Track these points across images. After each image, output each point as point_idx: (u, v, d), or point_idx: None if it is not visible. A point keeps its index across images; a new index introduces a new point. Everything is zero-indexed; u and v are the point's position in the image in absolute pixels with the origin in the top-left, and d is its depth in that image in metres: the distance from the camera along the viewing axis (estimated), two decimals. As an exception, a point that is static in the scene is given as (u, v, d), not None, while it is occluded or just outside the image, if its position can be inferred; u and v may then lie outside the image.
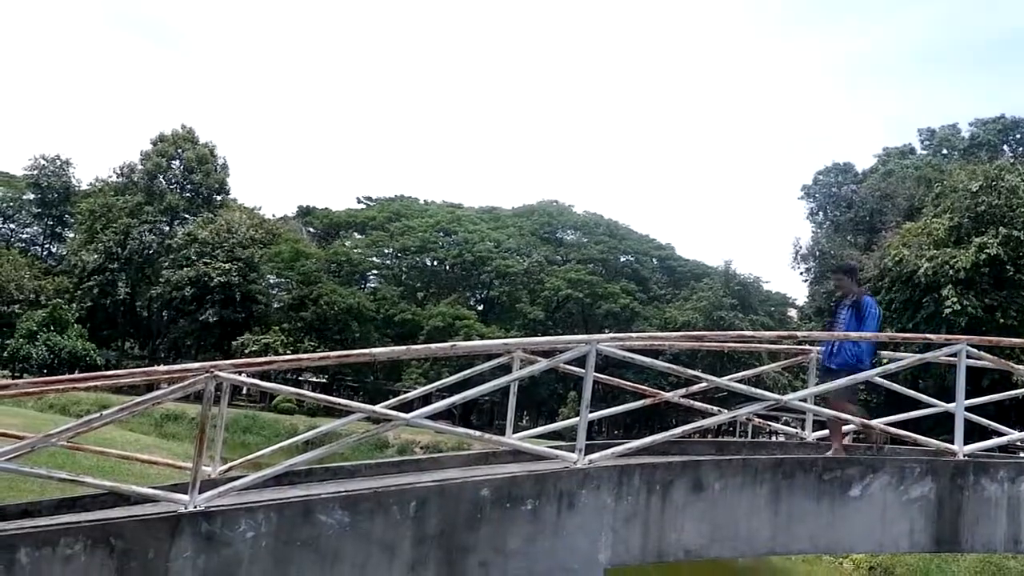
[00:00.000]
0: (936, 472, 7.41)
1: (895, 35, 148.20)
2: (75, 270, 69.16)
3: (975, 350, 8.17)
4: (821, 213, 60.17)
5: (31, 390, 7.44)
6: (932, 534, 7.38)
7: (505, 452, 8.21)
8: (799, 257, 52.71)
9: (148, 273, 68.70)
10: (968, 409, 8.15)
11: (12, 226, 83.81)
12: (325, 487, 7.02)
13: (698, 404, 9.29)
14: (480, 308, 72.64)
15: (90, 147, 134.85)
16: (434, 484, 6.45)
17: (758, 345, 12.11)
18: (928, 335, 10.56)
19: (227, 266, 63.83)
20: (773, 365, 11.47)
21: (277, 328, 62.47)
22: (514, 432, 8.68)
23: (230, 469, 7.50)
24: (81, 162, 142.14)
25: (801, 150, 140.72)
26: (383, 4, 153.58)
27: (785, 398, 8.02)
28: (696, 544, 6.76)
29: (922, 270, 35.30)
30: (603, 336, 7.10)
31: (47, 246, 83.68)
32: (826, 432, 9.57)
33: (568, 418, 9.06)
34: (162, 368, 6.38)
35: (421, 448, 40.86)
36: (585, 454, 6.70)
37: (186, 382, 5.97)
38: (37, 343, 58.58)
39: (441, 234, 72.60)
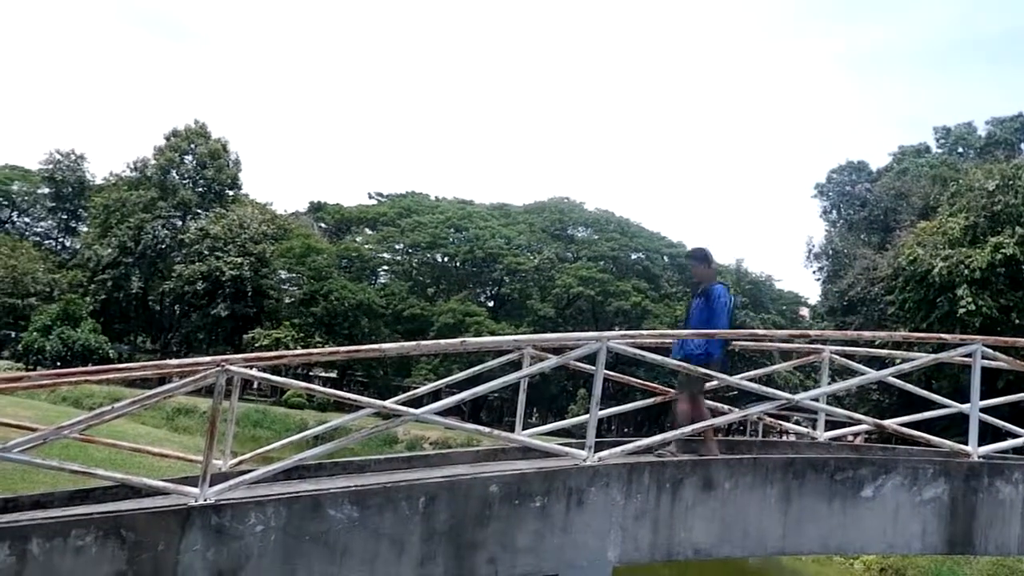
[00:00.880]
0: (950, 473, 7.36)
1: (910, 31, 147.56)
2: (89, 264, 69.55)
3: (990, 350, 8.10)
4: (835, 212, 59.88)
5: (44, 383, 7.46)
6: (945, 536, 7.33)
7: (514, 449, 8.20)
8: (812, 256, 52.52)
9: (161, 267, 68.97)
10: (983, 410, 8.09)
11: (27, 220, 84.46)
12: (334, 482, 7.02)
13: (709, 403, 9.25)
14: (491, 305, 72.68)
15: (104, 142, 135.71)
16: (443, 480, 6.44)
17: (770, 344, 12.04)
18: (942, 335, 10.50)
19: (239, 261, 64.03)
20: (785, 364, 11.40)
21: (288, 323, 62.64)
22: (524, 429, 8.67)
23: (240, 463, 7.50)
24: (95, 157, 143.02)
25: (815, 148, 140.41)
26: (397, 1, 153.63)
27: (797, 397, 7.97)
28: (706, 543, 6.73)
29: (937, 269, 35.06)
30: (613, 333, 7.08)
31: (61, 240, 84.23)
32: (839, 432, 9.53)
33: (578, 415, 9.04)
34: (173, 362, 6.39)
35: (431, 444, 40.90)
36: (595, 452, 6.67)
37: (197, 376, 5.98)
38: (51, 336, 58.89)
39: (452, 230, 72.65)
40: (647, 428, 51.18)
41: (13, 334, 67.68)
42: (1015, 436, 8.69)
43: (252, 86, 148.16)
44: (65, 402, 41.51)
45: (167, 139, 72.13)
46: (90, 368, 8.04)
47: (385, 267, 76.70)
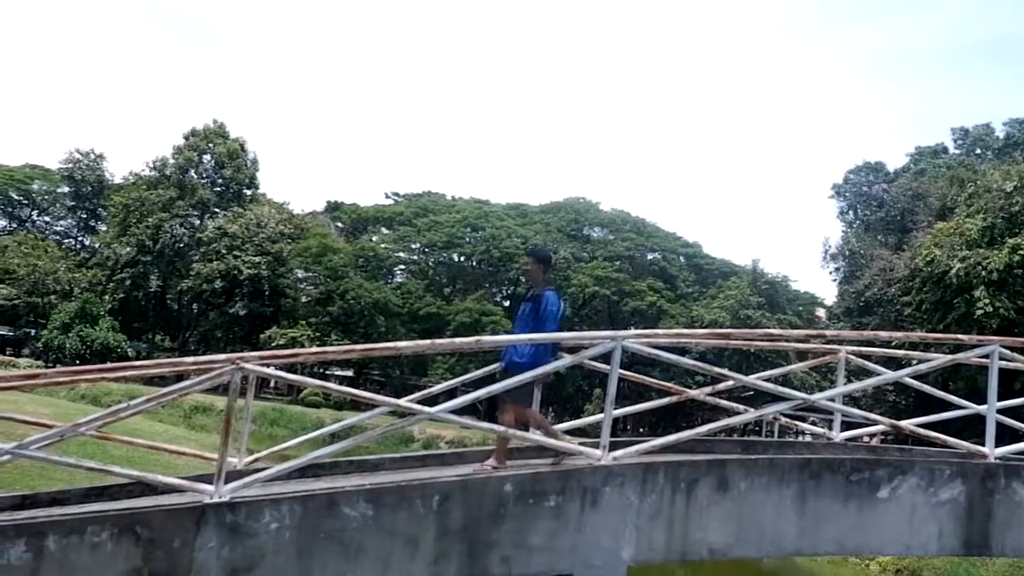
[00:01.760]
0: (966, 475, 7.31)
1: (929, 31, 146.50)
2: (107, 263, 69.99)
3: (1008, 352, 8.04)
4: (851, 212, 59.56)
5: (61, 380, 7.52)
6: (961, 537, 7.28)
7: (529, 448, 8.20)
8: (828, 257, 52.26)
9: (179, 266, 69.35)
10: (1000, 412, 8.03)
11: (47, 219, 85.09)
12: (349, 480, 7.05)
13: (724, 403, 9.22)
14: (507, 304, 72.70)
15: (123, 141, 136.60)
16: (457, 479, 6.46)
17: (786, 344, 12.00)
18: (959, 336, 10.42)
19: (256, 260, 64.33)
20: (801, 364, 11.36)
21: (304, 322, 62.86)
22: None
23: (256, 461, 7.53)
24: (114, 156, 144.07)
25: (832, 149, 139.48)
26: (413, 1, 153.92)
27: (813, 397, 7.94)
28: (721, 543, 6.71)
29: (954, 271, 34.84)
30: (629, 332, 7.07)
31: (80, 239, 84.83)
32: (855, 432, 9.48)
33: (593, 415, 9.00)
34: (189, 359, 6.42)
35: (446, 443, 40.97)
36: (610, 451, 6.67)
37: (212, 374, 6.01)
38: (70, 335, 59.32)
39: (468, 229, 72.67)
40: (662, 428, 51.04)
41: (33, 332, 68.22)
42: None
43: (270, 86, 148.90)
44: (84, 400, 41.82)
45: (186, 139, 72.55)
46: (106, 366, 8.10)
47: (401, 266, 76.84)
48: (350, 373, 67.02)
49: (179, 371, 6.68)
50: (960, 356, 8.52)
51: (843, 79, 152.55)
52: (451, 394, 7.64)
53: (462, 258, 74.60)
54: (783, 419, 12.77)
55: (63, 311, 61.92)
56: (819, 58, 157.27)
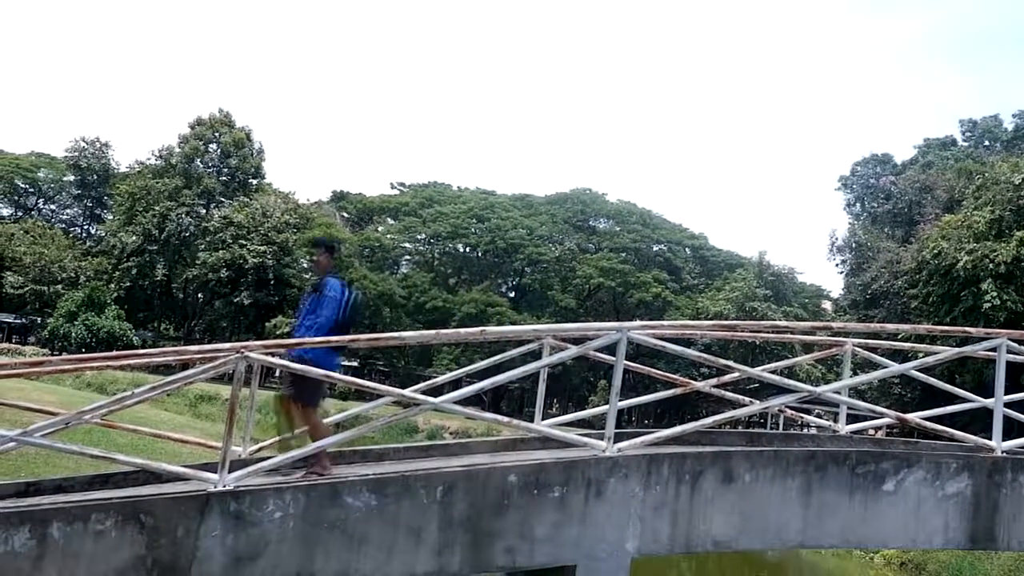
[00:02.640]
0: (973, 468, 7.28)
1: (940, 21, 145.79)
2: (113, 251, 70.12)
3: (1015, 345, 7.99)
4: (858, 204, 59.44)
5: (66, 367, 7.54)
6: (967, 531, 7.26)
7: (534, 439, 8.19)
8: (835, 249, 52.04)
9: (184, 255, 69.41)
10: (1007, 405, 7.99)
11: (53, 207, 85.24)
12: (353, 470, 7.04)
13: (729, 395, 9.19)
14: (512, 296, 72.68)
15: (129, 130, 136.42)
16: (461, 469, 6.44)
17: (792, 337, 11.97)
18: (967, 328, 10.37)
19: (262, 249, 64.34)
20: (806, 357, 11.28)
21: (309, 313, 62.75)
22: (544, 419, 8.66)
23: (260, 450, 7.54)
24: (120, 145, 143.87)
25: (839, 140, 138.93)
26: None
27: (818, 390, 7.89)
28: (725, 535, 6.69)
29: (961, 263, 34.70)
30: (634, 324, 7.04)
31: (86, 227, 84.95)
32: (860, 425, 9.45)
33: (598, 406, 8.97)
34: (194, 348, 6.41)
35: (451, 433, 41.03)
36: (614, 442, 6.65)
37: (216, 362, 6.00)
38: (76, 323, 59.46)
39: (474, 220, 72.64)
40: (667, 419, 51.09)
41: (39, 320, 68.40)
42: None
43: (276, 76, 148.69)
44: (90, 388, 41.91)
45: (192, 128, 72.55)
46: (111, 354, 8.09)
47: (407, 257, 76.84)
48: (355, 364, 67.11)
49: (184, 359, 6.67)
50: (967, 349, 8.47)
51: (853, 70, 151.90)
52: (456, 384, 7.63)
53: (467, 249, 74.58)
54: (788, 411, 12.76)
55: (69, 299, 62.02)
56: (825, 48, 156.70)
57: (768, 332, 11.11)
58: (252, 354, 6.08)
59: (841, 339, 9.18)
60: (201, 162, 72.67)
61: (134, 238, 68.18)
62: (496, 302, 65.75)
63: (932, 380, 10.26)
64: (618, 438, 6.75)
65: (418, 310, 66.39)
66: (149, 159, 73.53)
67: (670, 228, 74.40)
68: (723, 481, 6.67)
